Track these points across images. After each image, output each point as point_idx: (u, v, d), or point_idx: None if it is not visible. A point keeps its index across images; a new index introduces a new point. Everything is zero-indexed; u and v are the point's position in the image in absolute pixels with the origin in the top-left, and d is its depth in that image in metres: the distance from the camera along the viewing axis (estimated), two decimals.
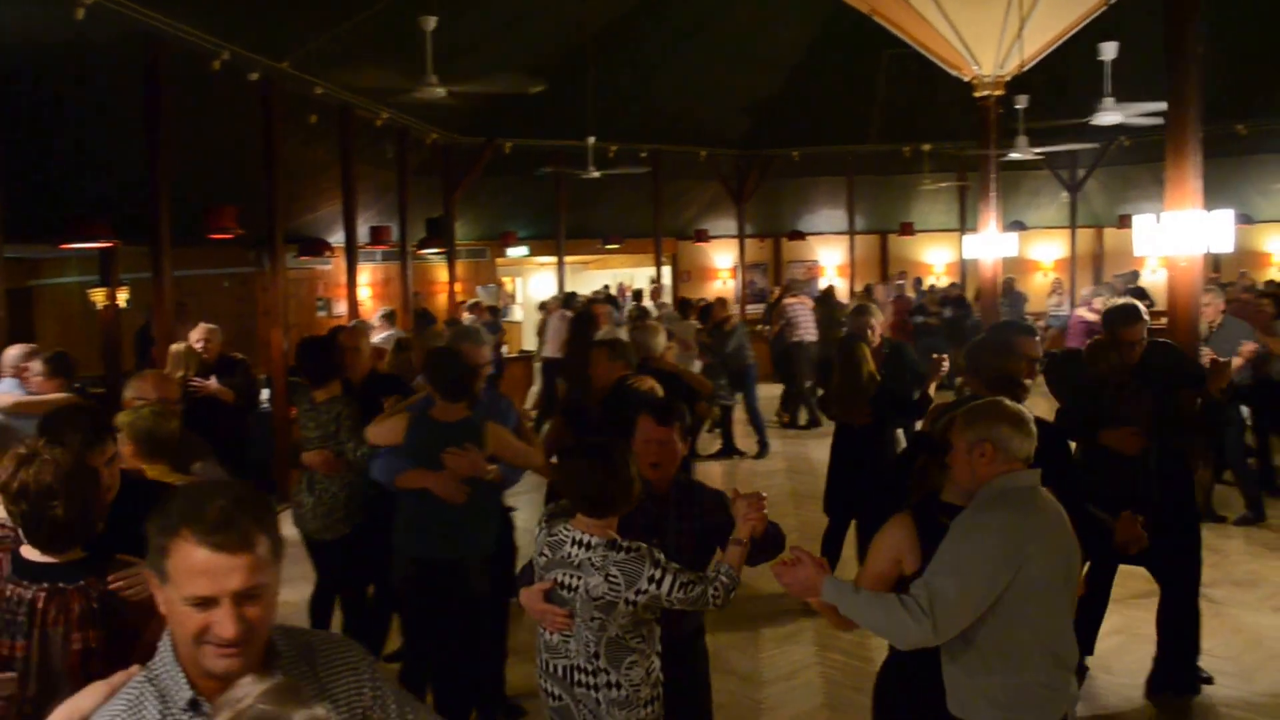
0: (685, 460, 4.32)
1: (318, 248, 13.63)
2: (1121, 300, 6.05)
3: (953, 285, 19.26)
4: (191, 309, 11.19)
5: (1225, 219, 7.45)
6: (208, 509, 1.83)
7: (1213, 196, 8.14)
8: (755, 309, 20.59)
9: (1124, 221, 18.06)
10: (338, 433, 5.66)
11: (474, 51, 12.83)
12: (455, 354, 5.09)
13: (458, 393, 4.94)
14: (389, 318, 12.46)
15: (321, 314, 13.65)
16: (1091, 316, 13.65)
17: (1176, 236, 7.18)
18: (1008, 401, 3.33)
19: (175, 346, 8.22)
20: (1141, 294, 16.02)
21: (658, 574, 3.34)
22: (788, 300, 15.22)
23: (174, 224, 9.17)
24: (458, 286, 17.28)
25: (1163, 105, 7.58)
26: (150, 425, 4.01)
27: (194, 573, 1.82)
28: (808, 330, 14.65)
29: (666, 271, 21.01)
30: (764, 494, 3.55)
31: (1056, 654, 3.19)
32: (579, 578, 3.39)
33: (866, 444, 7.03)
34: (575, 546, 3.42)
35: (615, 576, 3.34)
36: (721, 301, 14.81)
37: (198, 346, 8.19)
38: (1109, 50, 11.17)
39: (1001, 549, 3.06)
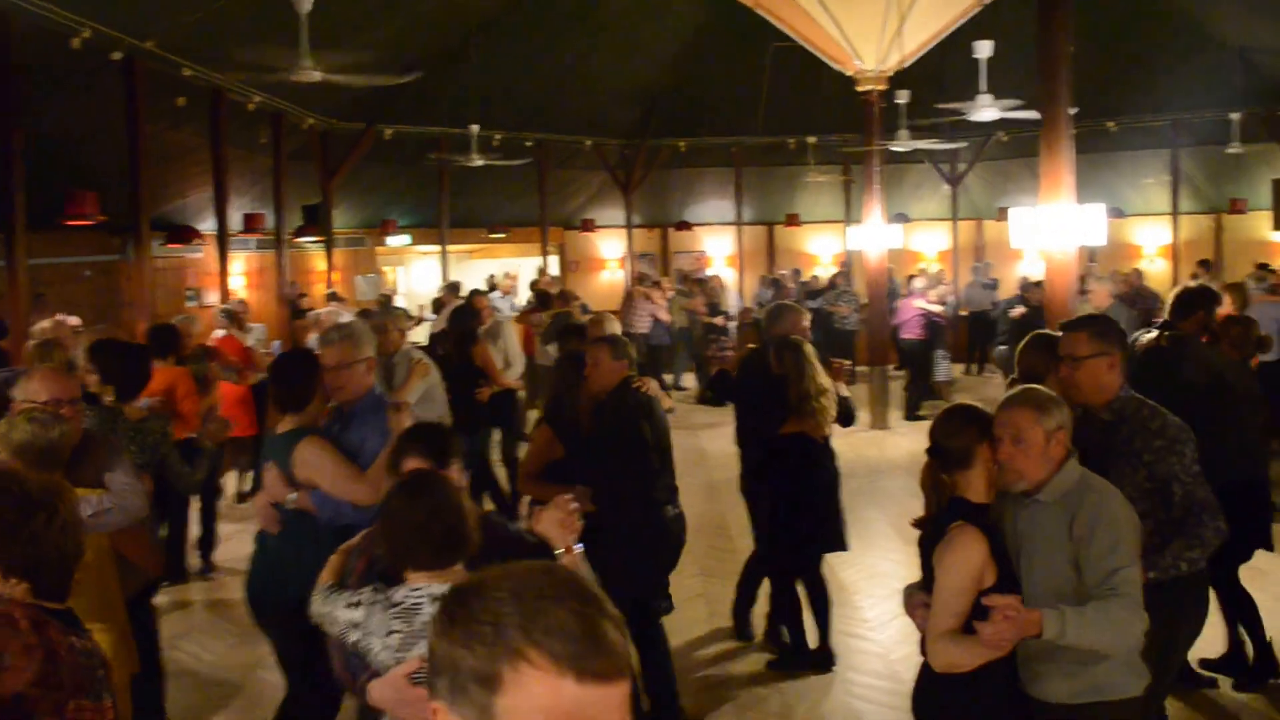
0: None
1: (186, 235, 13.18)
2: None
3: (838, 275, 19.37)
4: (50, 299, 10.64)
5: (1097, 212, 7.62)
6: (561, 612, 1.23)
7: (1086, 191, 8.33)
8: None
9: (1003, 214, 18.43)
10: (165, 458, 4.93)
11: (352, 34, 12.49)
12: (304, 353, 4.62)
13: (281, 400, 4.32)
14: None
15: (191, 304, 13.17)
16: (931, 306, 13.97)
17: (1051, 229, 7.31)
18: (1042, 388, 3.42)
19: (43, 329, 7.31)
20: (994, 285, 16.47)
21: None
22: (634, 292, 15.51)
23: (30, 209, 8.74)
24: (336, 276, 16.87)
25: (1035, 114, 7.72)
26: (27, 435, 3.56)
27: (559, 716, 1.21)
28: (643, 323, 15.36)
29: (554, 261, 20.84)
30: (568, 495, 3.20)
31: None
32: None
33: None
34: (436, 603, 2.71)
35: None
36: (562, 295, 14.80)
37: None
38: (984, 48, 11.37)
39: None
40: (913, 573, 3.62)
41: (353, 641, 2.83)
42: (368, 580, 2.95)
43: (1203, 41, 15.88)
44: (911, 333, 14.00)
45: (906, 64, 13.07)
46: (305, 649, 3.99)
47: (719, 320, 15.21)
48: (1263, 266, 15.53)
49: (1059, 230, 7.28)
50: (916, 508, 3.61)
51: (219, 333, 9.98)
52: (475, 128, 14.89)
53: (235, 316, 10.57)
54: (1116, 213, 18.53)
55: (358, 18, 12.35)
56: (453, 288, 14.69)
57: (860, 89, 13.46)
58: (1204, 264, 16.86)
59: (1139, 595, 3.05)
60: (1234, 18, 15.35)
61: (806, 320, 6.51)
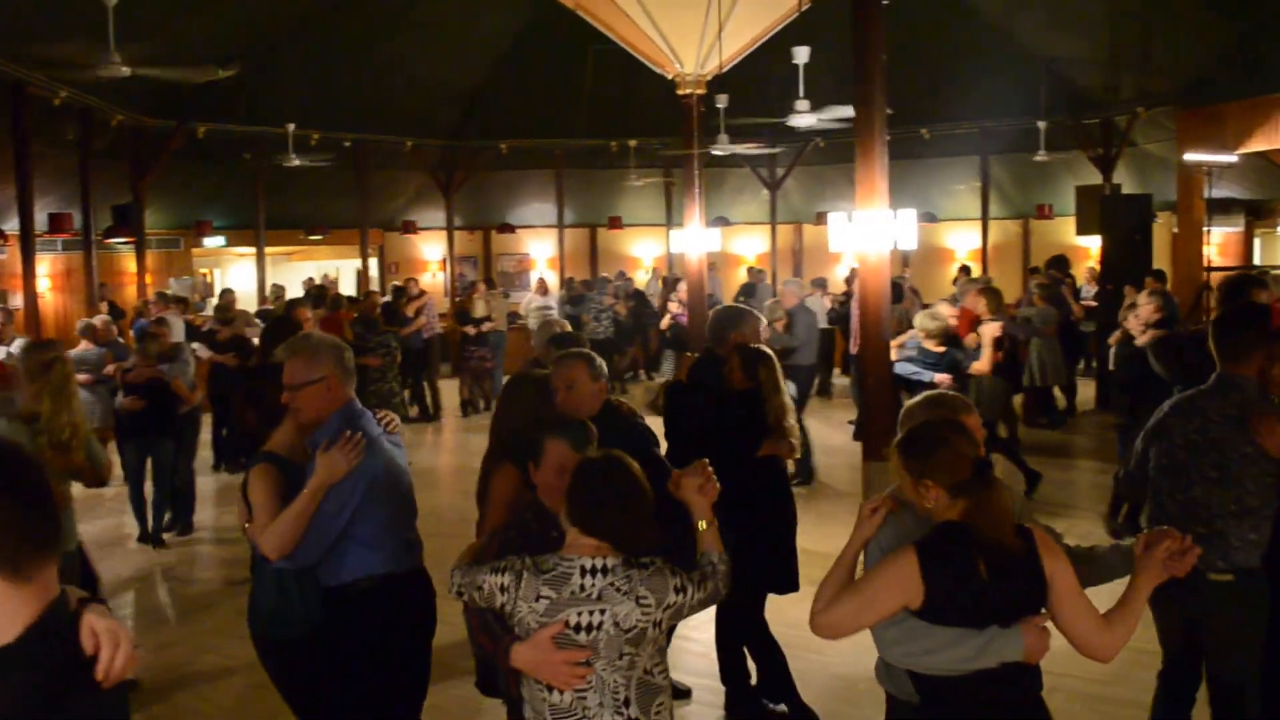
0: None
1: None
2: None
3: (583, 281, 19.32)
4: None
5: (909, 218, 7.90)
6: None
7: (900, 196, 8.63)
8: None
9: (821, 218, 19.02)
10: None
11: (162, 29, 11.98)
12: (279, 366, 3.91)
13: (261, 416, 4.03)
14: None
15: None
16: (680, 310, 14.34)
17: (866, 233, 7.54)
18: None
19: None
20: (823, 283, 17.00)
21: (680, 582, 2.96)
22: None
23: None
24: (149, 278, 16.14)
25: (850, 110, 7.95)
26: None
27: None
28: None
29: (373, 264, 20.41)
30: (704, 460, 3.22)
31: None
32: (602, 611, 2.86)
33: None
34: (589, 576, 2.89)
35: (646, 597, 2.89)
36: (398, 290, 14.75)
37: None
38: (802, 55, 11.66)
39: None
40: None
41: (499, 605, 2.96)
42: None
43: (1011, 53, 16.66)
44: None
45: (726, 69, 13.30)
46: (308, 684, 3.88)
47: (470, 329, 14.89)
48: (1035, 271, 16.34)
49: (873, 234, 7.51)
50: None
51: None
52: (292, 127, 14.50)
53: None
54: (929, 217, 19.36)
55: (168, 11, 11.86)
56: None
57: (680, 93, 13.63)
58: (964, 270, 17.85)
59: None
60: (1040, 30, 16.20)
61: (764, 325, 5.72)
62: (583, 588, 2.88)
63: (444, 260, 21.47)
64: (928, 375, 8.12)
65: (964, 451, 2.93)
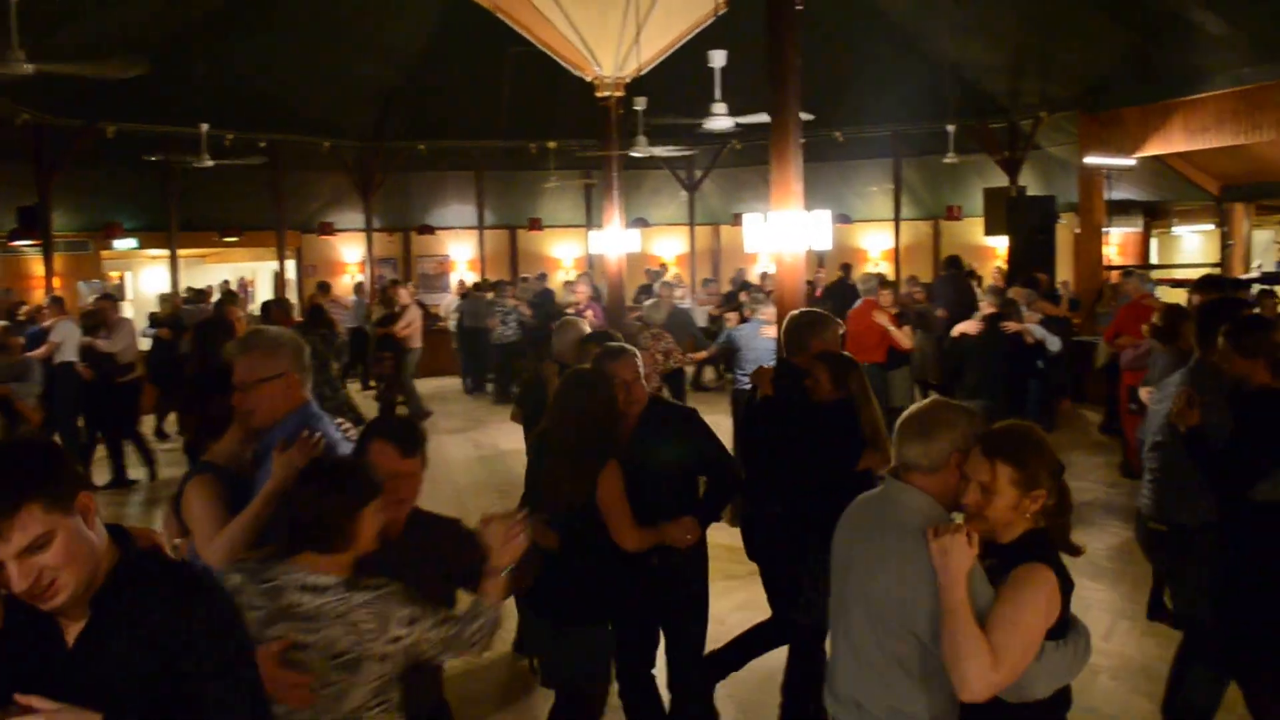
0: None
1: None
2: None
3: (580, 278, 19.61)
4: None
5: (824, 218, 8.10)
6: None
7: (815, 197, 8.83)
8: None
9: (738, 219, 19.23)
10: None
11: (68, 24, 11.73)
12: (221, 369, 3.66)
13: (202, 425, 3.72)
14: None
15: None
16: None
17: (781, 234, 7.71)
18: (928, 403, 3.11)
19: None
20: (746, 286, 17.23)
21: (412, 613, 2.71)
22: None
23: None
24: (56, 281, 15.76)
25: (765, 113, 8.11)
26: None
27: None
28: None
29: (290, 266, 20.19)
30: (523, 514, 3.02)
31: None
32: (313, 631, 2.65)
33: None
34: (303, 592, 2.69)
35: (366, 623, 2.65)
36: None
37: None
38: (718, 58, 11.81)
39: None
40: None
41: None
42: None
43: (920, 59, 17.05)
44: None
45: (644, 71, 13.43)
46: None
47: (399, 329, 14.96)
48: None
49: (789, 235, 7.69)
50: None
51: None
52: (205, 126, 14.28)
53: None
54: (844, 218, 19.74)
55: (74, 5, 11.62)
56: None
57: (599, 95, 13.74)
58: (845, 267, 18.25)
59: None
60: (947, 36, 16.60)
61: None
62: (296, 604, 2.69)
63: (363, 262, 21.30)
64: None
65: (1052, 454, 2.82)
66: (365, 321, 17.88)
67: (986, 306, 10.10)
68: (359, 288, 19.47)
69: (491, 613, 2.89)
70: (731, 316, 11.83)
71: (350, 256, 21.72)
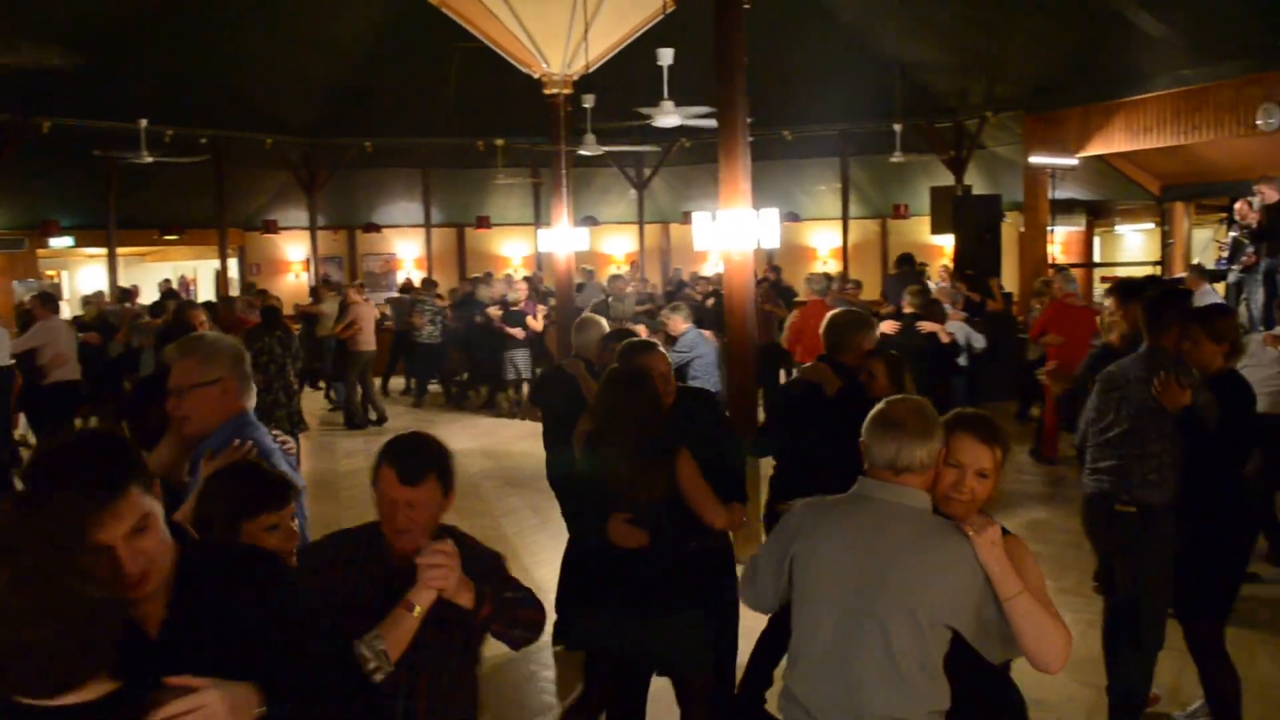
0: None
1: None
2: None
3: (528, 277, 19.52)
4: None
5: (772, 217, 8.10)
6: None
7: (763, 196, 8.83)
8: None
9: (687, 218, 19.26)
10: None
11: (2, 16, 11.45)
12: (159, 376, 3.46)
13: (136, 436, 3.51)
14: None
15: None
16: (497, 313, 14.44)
17: (730, 232, 7.70)
18: (906, 402, 3.03)
19: None
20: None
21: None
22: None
23: None
24: None
25: (714, 111, 8.10)
26: None
27: None
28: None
29: (233, 264, 19.90)
30: (448, 542, 2.70)
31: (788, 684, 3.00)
32: None
33: None
34: None
35: None
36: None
37: None
38: (666, 56, 11.78)
39: (782, 534, 3.07)
40: None
41: None
42: None
43: (868, 58, 17.15)
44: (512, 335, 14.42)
45: (592, 69, 13.37)
46: None
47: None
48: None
49: (737, 233, 7.68)
50: None
51: None
52: (144, 122, 14.00)
53: None
54: (792, 217, 19.81)
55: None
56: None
57: (547, 92, 13.66)
58: (774, 269, 18.28)
59: (747, 573, 3.22)
60: (895, 37, 16.70)
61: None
62: None
63: (307, 261, 21.03)
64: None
65: None
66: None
67: (906, 306, 10.27)
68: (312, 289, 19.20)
69: (375, 651, 2.56)
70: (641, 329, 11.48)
71: (294, 255, 21.44)
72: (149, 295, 16.38)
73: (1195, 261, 15.74)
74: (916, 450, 2.86)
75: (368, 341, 13.88)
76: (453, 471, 2.90)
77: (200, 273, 22.66)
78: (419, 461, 2.83)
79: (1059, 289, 10.94)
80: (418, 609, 2.61)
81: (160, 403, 3.40)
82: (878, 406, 3.00)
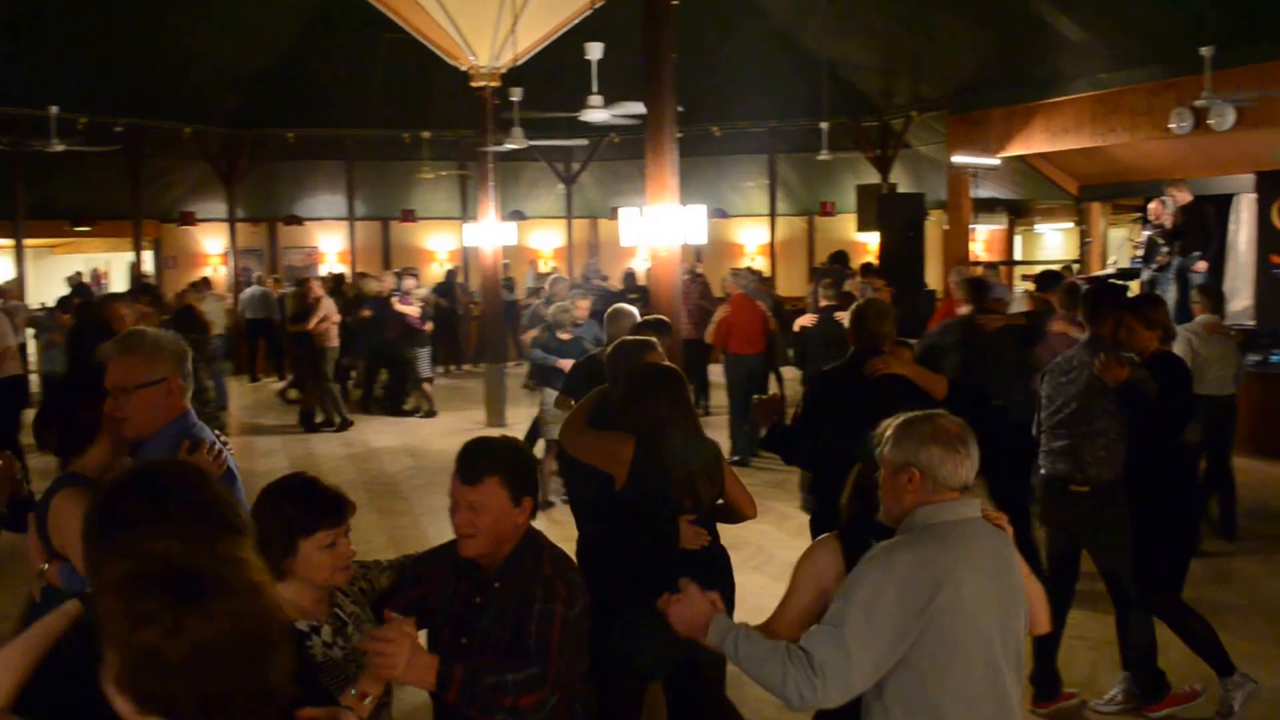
0: None
1: None
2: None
3: (450, 275, 19.37)
4: None
5: (699, 213, 8.09)
6: None
7: (691, 192, 8.82)
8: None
9: (615, 213, 19.22)
10: None
11: None
12: (85, 374, 3.45)
13: (60, 437, 3.31)
14: None
15: None
16: (411, 310, 14.12)
17: (657, 228, 7.67)
18: (948, 417, 2.84)
19: None
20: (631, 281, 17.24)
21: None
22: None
23: None
24: None
25: (641, 106, 8.06)
26: None
27: None
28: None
29: (148, 257, 19.41)
30: (402, 623, 2.46)
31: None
32: None
33: None
34: None
35: None
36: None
37: None
38: (595, 50, 11.74)
39: (909, 593, 2.59)
40: None
41: None
42: None
43: (796, 56, 17.27)
44: (393, 332, 14.01)
45: (520, 62, 13.28)
46: None
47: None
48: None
49: (665, 229, 7.66)
50: None
51: None
52: (55, 109, 13.59)
53: None
54: (720, 213, 19.88)
55: None
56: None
57: (475, 85, 13.53)
58: (690, 271, 18.40)
59: (821, 657, 2.56)
60: (823, 36, 16.84)
61: None
62: None
63: (225, 254, 20.58)
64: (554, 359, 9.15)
65: None
66: (276, 312, 17.36)
67: (822, 299, 10.40)
68: (259, 279, 18.82)
69: None
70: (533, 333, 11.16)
71: (212, 248, 20.96)
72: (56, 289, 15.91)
73: (1112, 260, 16.08)
74: (970, 470, 2.79)
75: (335, 337, 13.41)
76: (525, 479, 2.84)
77: (114, 266, 22.07)
78: (479, 461, 2.78)
79: (953, 285, 11.24)
80: (369, 699, 2.37)
81: (90, 402, 3.22)
82: (924, 425, 2.79)
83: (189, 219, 19.98)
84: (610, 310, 6.80)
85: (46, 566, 3.12)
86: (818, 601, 2.88)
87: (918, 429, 2.78)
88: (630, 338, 4.99)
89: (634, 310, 6.72)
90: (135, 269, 18.65)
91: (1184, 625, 5.13)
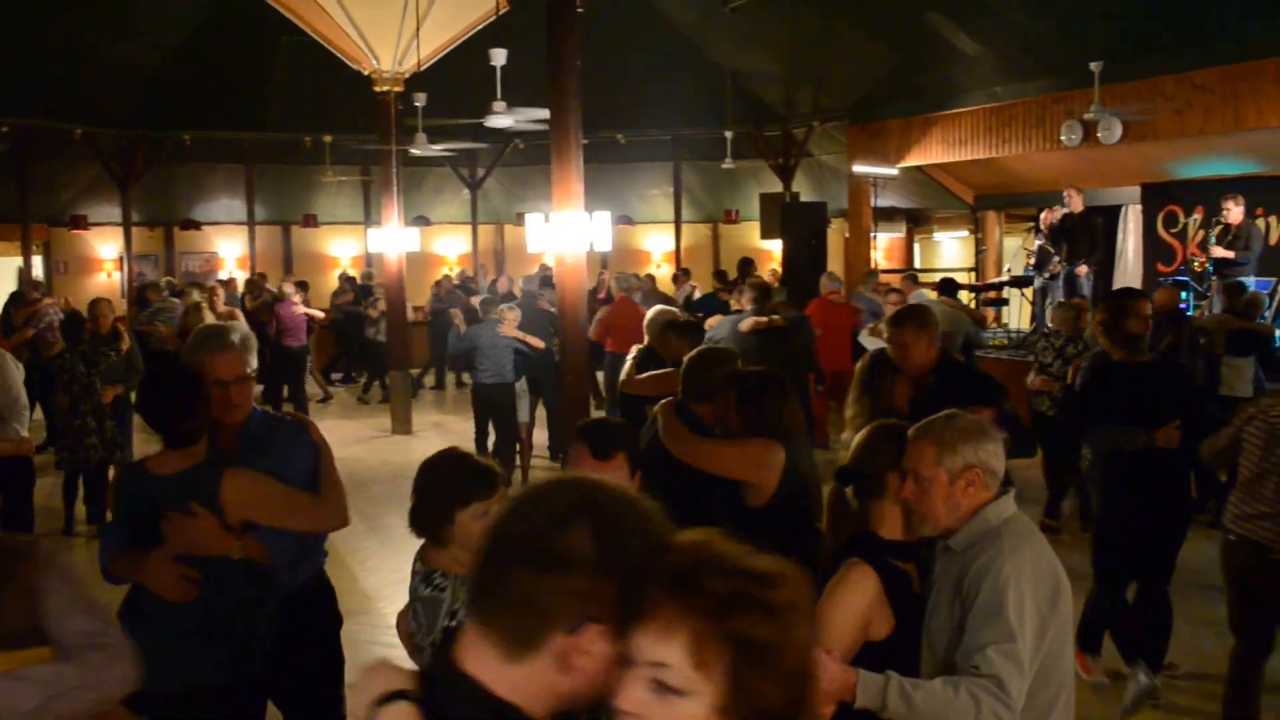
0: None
1: None
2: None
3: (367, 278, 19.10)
4: None
5: (604, 220, 8.14)
6: None
7: (597, 199, 8.86)
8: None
9: (521, 219, 19.16)
10: None
11: None
12: (184, 370, 3.49)
13: (169, 433, 3.36)
14: None
15: None
16: (302, 310, 14.54)
17: (562, 234, 7.69)
18: (970, 415, 2.82)
19: None
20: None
21: (456, 617, 2.64)
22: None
23: None
24: None
25: (546, 112, 8.08)
26: None
27: None
28: None
29: (38, 262, 18.79)
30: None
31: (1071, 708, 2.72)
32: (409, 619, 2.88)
33: None
34: (414, 577, 2.92)
35: (420, 615, 2.73)
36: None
37: None
38: (499, 56, 11.73)
39: (1041, 591, 2.61)
40: None
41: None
42: None
43: (701, 65, 17.45)
44: (296, 340, 14.48)
45: (424, 67, 13.18)
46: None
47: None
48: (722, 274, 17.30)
49: (570, 235, 7.68)
50: None
51: None
52: None
53: None
54: (626, 220, 19.98)
55: None
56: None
57: (378, 89, 13.40)
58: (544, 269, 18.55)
59: (1005, 677, 2.47)
60: (727, 46, 17.03)
61: None
62: (412, 589, 2.96)
63: (120, 259, 20.01)
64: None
65: None
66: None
67: (746, 304, 10.68)
68: (228, 283, 18.33)
69: None
70: (456, 312, 12.16)
71: (106, 253, 20.36)
72: None
73: (1006, 268, 16.54)
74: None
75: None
76: (640, 455, 3.08)
77: (2, 270, 21.32)
78: (610, 439, 2.99)
79: (823, 287, 12.18)
80: None
81: (198, 397, 3.39)
82: (966, 424, 2.74)
83: (81, 223, 19.37)
84: (651, 315, 7.09)
85: (240, 543, 3.31)
86: (864, 631, 2.78)
87: (962, 429, 2.72)
88: (712, 346, 5.31)
89: (674, 311, 7.28)
90: (24, 274, 18.02)
91: (1156, 615, 5.39)
